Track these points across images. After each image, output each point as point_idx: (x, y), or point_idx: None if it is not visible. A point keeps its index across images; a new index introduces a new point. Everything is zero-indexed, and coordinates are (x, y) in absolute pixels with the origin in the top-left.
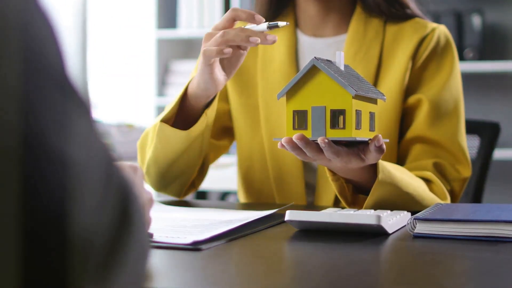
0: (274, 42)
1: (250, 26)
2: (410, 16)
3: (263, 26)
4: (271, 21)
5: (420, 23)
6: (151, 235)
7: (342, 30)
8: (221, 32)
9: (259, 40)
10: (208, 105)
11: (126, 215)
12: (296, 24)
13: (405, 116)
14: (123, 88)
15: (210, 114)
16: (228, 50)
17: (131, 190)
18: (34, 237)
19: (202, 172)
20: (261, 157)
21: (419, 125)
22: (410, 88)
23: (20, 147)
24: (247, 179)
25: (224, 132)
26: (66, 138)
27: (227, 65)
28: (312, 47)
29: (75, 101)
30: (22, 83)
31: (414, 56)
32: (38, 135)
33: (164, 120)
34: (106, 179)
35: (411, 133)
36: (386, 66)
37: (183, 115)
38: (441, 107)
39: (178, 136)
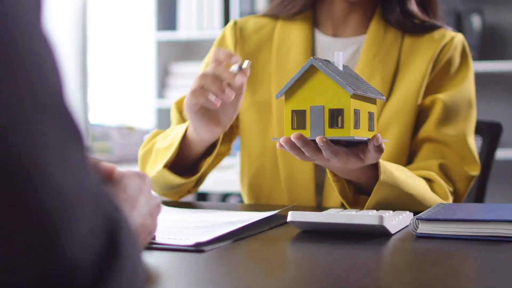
0: (240, 84)
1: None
2: (427, 29)
3: (235, 67)
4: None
5: (439, 32)
6: (153, 237)
7: (361, 31)
8: (200, 75)
9: (231, 97)
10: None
11: (114, 244)
12: (314, 24)
13: (419, 116)
14: (123, 90)
15: (208, 161)
16: (216, 103)
17: (120, 219)
18: (21, 262)
19: (198, 183)
20: (273, 156)
21: (430, 125)
22: (427, 93)
23: (12, 172)
24: (257, 179)
25: (225, 137)
26: (59, 165)
27: (222, 112)
28: (331, 46)
29: (68, 129)
30: (18, 110)
31: (435, 62)
32: (30, 161)
33: (166, 164)
34: (95, 208)
35: (422, 133)
36: (404, 70)
37: (184, 147)
38: (452, 109)
39: (178, 180)
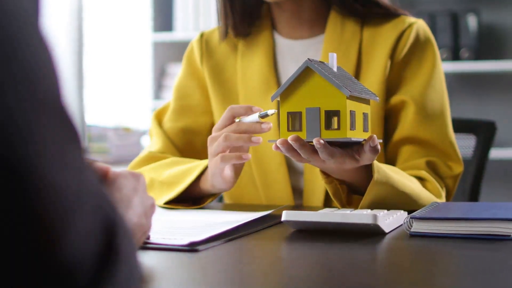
0: (270, 129)
1: (243, 118)
2: (387, 16)
3: (255, 116)
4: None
5: (397, 20)
6: (148, 237)
7: (318, 30)
8: (222, 135)
9: (261, 140)
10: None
11: (112, 245)
12: (273, 27)
13: (389, 118)
14: (120, 91)
15: (213, 199)
16: (247, 156)
17: (118, 220)
18: (20, 262)
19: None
20: (247, 164)
21: (408, 126)
22: (392, 86)
23: (11, 173)
24: (236, 189)
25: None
26: (58, 166)
27: (236, 168)
28: (290, 49)
29: (67, 130)
30: (18, 111)
31: (393, 53)
32: (29, 161)
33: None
34: (94, 209)
35: (398, 134)
36: (365, 65)
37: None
38: (428, 107)
39: (178, 208)
